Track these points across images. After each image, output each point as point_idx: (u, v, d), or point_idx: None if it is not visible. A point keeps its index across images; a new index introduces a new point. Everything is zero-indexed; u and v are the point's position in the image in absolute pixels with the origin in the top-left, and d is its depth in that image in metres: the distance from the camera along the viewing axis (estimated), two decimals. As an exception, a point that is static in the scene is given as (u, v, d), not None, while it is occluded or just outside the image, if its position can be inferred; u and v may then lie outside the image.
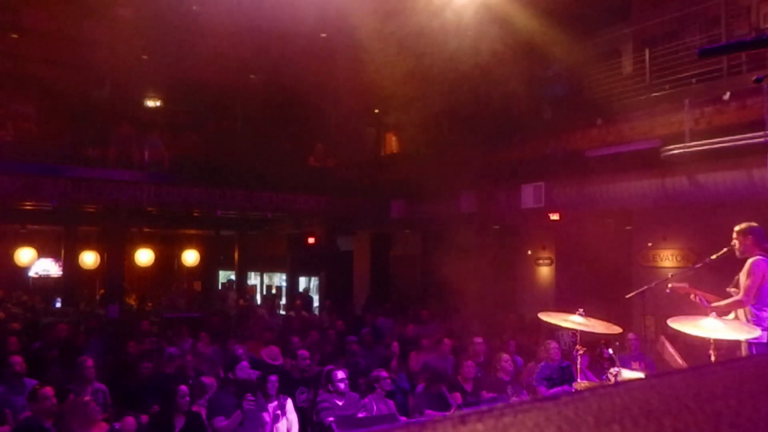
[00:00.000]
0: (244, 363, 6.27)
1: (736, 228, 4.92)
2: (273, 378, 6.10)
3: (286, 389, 6.75)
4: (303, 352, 7.31)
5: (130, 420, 5.35)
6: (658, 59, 9.43)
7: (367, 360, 8.34)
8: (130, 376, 7.18)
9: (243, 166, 13.34)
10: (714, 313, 4.55)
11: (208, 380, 6.53)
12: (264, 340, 9.09)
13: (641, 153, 8.98)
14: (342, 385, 6.26)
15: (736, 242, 4.88)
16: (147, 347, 8.48)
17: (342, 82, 12.54)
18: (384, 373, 6.54)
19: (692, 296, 4.95)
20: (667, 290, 5.05)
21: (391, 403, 6.59)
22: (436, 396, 6.83)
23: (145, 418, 5.80)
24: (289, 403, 6.19)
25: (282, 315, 14.05)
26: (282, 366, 7.53)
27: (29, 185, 11.22)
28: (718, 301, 4.88)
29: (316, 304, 16.24)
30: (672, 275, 6.18)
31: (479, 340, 8.23)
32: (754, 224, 4.89)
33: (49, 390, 5.37)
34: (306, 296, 15.91)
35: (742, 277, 4.76)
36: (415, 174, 12.75)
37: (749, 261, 4.77)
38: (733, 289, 4.92)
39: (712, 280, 5.20)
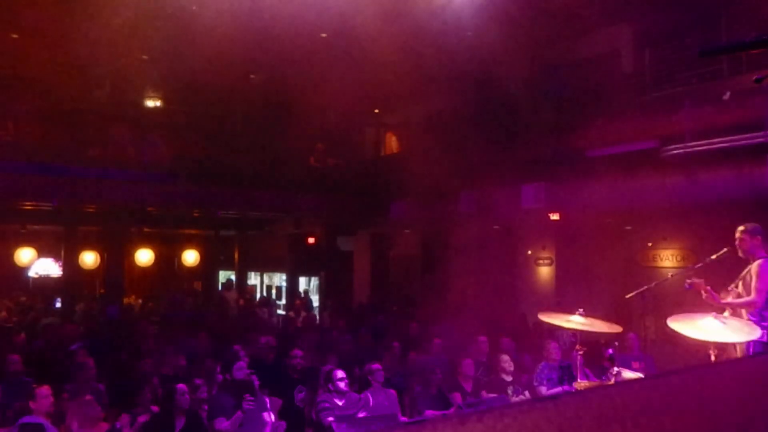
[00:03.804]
0: (241, 363, 6.26)
1: (742, 228, 4.89)
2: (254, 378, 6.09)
3: (285, 388, 6.75)
4: (297, 351, 7.29)
5: (125, 418, 5.36)
6: (658, 59, 9.43)
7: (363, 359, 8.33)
8: (128, 377, 7.18)
9: (243, 166, 13.33)
10: (714, 313, 4.54)
11: (198, 381, 6.53)
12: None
13: (641, 153, 8.98)
14: (342, 385, 6.25)
15: (741, 241, 4.85)
16: (149, 348, 8.48)
17: (342, 82, 12.52)
18: (377, 365, 6.54)
19: (703, 293, 4.91)
20: (687, 285, 5.00)
21: (391, 392, 6.58)
22: (435, 396, 6.83)
23: (142, 418, 5.80)
24: (271, 404, 6.18)
25: (281, 315, 14.06)
26: (279, 360, 7.53)
27: (29, 185, 11.22)
28: (727, 299, 4.88)
29: (316, 304, 16.24)
30: (672, 275, 6.17)
31: (483, 339, 8.22)
32: (758, 225, 4.89)
33: (46, 389, 5.38)
34: (307, 298, 15.91)
35: (753, 278, 4.73)
36: (415, 174, 12.75)
37: (757, 263, 4.75)
38: (734, 288, 4.91)
39: (712, 280, 5.20)
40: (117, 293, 13.87)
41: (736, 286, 4.91)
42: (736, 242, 4.92)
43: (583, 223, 10.87)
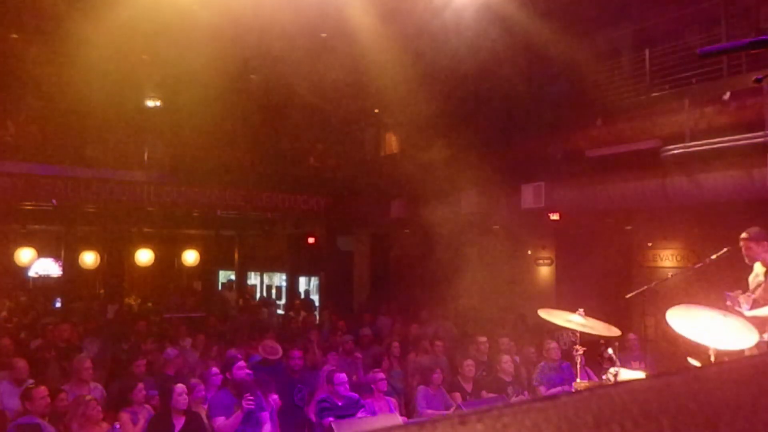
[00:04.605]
0: (242, 363, 6.26)
1: (744, 235, 4.71)
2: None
3: (284, 388, 6.76)
4: (296, 352, 7.31)
5: (125, 417, 5.36)
6: (658, 59, 9.43)
7: (363, 359, 8.35)
8: (127, 375, 7.18)
9: (243, 166, 13.34)
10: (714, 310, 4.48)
11: (195, 381, 6.53)
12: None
13: (641, 153, 8.97)
14: (342, 389, 6.26)
15: (748, 249, 4.69)
16: (149, 348, 8.48)
17: (342, 82, 12.54)
18: (380, 374, 6.55)
19: (728, 302, 4.74)
20: (727, 301, 4.71)
21: (390, 400, 6.59)
22: (435, 396, 6.83)
23: (145, 414, 5.80)
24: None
25: (281, 315, 14.05)
26: (280, 361, 7.53)
27: (29, 185, 11.22)
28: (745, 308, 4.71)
29: (317, 304, 16.24)
30: (672, 275, 6.17)
31: (483, 339, 8.23)
32: (761, 229, 4.73)
33: (43, 389, 5.38)
34: (307, 299, 15.91)
35: None
36: (415, 174, 12.75)
37: None
38: (751, 294, 4.80)
39: (712, 280, 5.19)
40: (117, 293, 13.88)
41: (753, 292, 4.72)
42: (743, 251, 4.75)
43: (583, 223, 10.87)
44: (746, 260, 4.77)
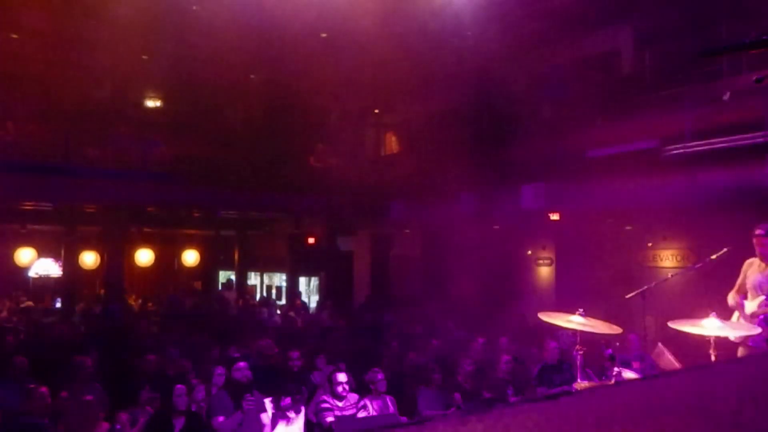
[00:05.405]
0: (241, 363, 6.26)
1: (760, 231, 4.63)
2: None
3: (284, 388, 6.76)
4: (295, 353, 7.31)
5: (124, 417, 5.37)
6: (658, 59, 9.44)
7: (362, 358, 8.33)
8: (130, 375, 7.18)
9: (243, 166, 13.33)
10: (714, 313, 4.53)
11: (195, 380, 6.54)
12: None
13: (641, 153, 8.98)
14: (340, 389, 6.25)
15: (764, 246, 4.62)
16: (150, 347, 8.48)
17: (342, 81, 12.53)
18: (380, 374, 6.54)
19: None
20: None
21: (390, 398, 6.59)
22: (435, 396, 6.83)
23: (144, 416, 5.80)
24: (302, 414, 6.19)
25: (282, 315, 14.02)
26: (279, 362, 7.53)
27: (29, 185, 11.21)
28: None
29: (313, 305, 16.22)
30: (672, 275, 6.18)
31: (480, 340, 8.23)
32: None
33: (44, 389, 5.39)
34: (301, 300, 15.87)
35: None
36: (415, 174, 12.75)
37: None
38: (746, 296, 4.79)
39: (712, 280, 5.19)
40: (117, 293, 13.86)
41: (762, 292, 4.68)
42: (756, 248, 4.67)
43: (583, 223, 10.87)
44: (759, 258, 4.69)
